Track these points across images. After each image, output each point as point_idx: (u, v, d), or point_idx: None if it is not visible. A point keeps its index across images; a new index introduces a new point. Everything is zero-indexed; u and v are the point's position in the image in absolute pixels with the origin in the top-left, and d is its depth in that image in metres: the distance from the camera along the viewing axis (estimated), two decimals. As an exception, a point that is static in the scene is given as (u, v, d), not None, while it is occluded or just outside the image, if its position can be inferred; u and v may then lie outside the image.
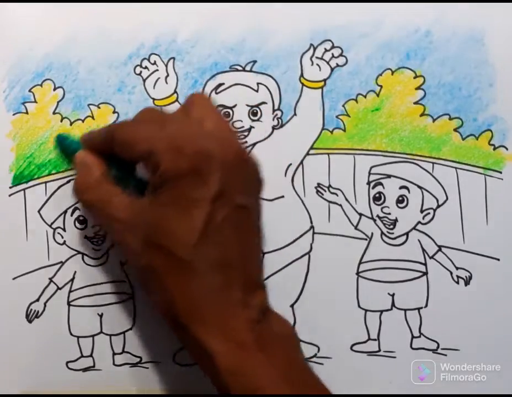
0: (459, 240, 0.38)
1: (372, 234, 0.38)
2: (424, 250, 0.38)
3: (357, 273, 0.38)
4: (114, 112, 0.38)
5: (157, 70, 0.38)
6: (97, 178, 0.32)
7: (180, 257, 0.28)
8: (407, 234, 0.38)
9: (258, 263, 0.32)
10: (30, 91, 0.38)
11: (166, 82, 0.38)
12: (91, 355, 0.39)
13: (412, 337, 0.38)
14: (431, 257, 0.38)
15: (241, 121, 0.38)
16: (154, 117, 0.32)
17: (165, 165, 0.29)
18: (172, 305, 0.29)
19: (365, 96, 0.38)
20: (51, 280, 0.38)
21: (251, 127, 0.38)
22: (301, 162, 0.38)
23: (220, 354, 0.28)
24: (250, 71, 0.38)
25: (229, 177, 0.29)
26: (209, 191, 0.28)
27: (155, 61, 0.38)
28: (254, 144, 0.38)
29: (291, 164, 0.38)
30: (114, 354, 0.39)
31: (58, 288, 0.38)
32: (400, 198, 0.38)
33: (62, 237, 0.39)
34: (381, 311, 0.38)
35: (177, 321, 0.29)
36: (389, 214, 0.38)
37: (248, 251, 0.31)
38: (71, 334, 0.39)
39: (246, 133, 0.38)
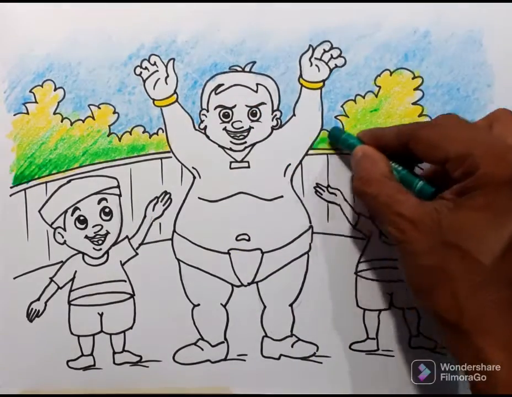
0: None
1: (371, 233, 0.38)
2: (422, 250, 0.38)
3: (356, 273, 0.38)
4: (114, 112, 0.38)
5: (157, 70, 0.38)
6: (384, 173, 0.33)
7: (481, 263, 0.28)
8: (405, 233, 0.38)
9: None
10: (30, 91, 0.39)
11: (166, 83, 0.38)
12: (91, 354, 0.39)
13: (411, 336, 0.38)
14: (429, 257, 0.38)
15: (241, 121, 0.38)
16: (462, 122, 0.32)
17: (484, 169, 0.28)
18: (457, 308, 0.29)
19: (364, 97, 0.38)
20: (51, 279, 0.39)
21: (251, 127, 0.38)
22: (300, 163, 0.38)
23: (503, 367, 0.27)
24: (250, 72, 0.38)
25: None
26: None
27: (155, 62, 0.38)
28: (253, 145, 0.38)
29: (290, 164, 0.38)
30: (114, 353, 0.39)
31: (59, 288, 0.39)
32: (399, 198, 0.38)
33: (62, 237, 0.39)
34: (379, 310, 0.38)
35: (458, 326, 0.29)
36: (388, 214, 0.38)
37: None
38: (72, 333, 0.39)
39: (245, 134, 0.38)
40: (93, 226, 0.39)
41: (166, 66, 0.38)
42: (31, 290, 0.38)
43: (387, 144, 0.34)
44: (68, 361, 0.39)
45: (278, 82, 0.38)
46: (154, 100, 0.39)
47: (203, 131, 0.38)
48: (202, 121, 0.38)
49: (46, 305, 0.39)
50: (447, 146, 0.30)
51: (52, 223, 0.39)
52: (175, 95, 0.38)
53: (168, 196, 0.38)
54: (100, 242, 0.39)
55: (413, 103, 0.38)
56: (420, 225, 0.30)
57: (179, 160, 0.38)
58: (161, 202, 0.38)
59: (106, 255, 0.39)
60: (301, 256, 0.38)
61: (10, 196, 0.39)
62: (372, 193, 0.32)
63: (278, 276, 0.38)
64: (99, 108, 0.39)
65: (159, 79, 0.38)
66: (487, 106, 0.38)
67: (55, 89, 0.39)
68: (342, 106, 0.38)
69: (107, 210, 0.39)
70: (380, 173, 0.33)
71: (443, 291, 0.29)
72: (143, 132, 0.38)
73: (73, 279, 0.39)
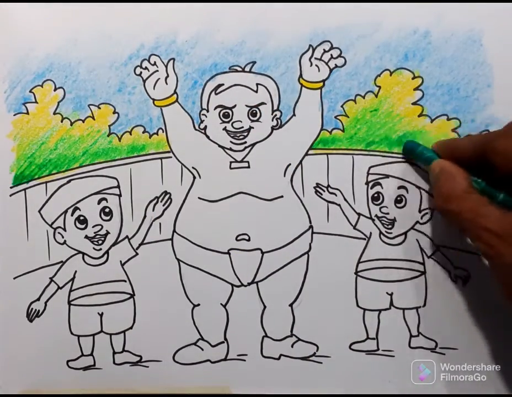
0: (457, 240, 0.38)
1: (371, 233, 0.38)
2: (422, 250, 0.38)
3: (356, 273, 0.38)
4: (114, 112, 0.38)
5: (157, 70, 0.38)
6: (465, 188, 0.32)
7: None
8: (405, 233, 0.38)
9: None
10: (30, 91, 0.39)
11: (166, 83, 0.38)
12: (91, 354, 0.39)
13: (411, 336, 0.38)
14: (429, 257, 0.38)
15: (241, 121, 0.38)
16: None
17: None
18: None
19: (364, 97, 0.38)
20: (51, 279, 0.39)
21: (251, 127, 0.38)
22: (300, 163, 0.38)
23: None
24: (250, 72, 0.38)
25: None
26: None
27: (155, 62, 0.39)
28: (253, 144, 0.38)
29: (290, 164, 0.38)
30: (114, 353, 0.39)
31: (59, 288, 0.39)
32: (399, 198, 0.38)
33: (62, 237, 0.39)
34: (379, 310, 0.38)
35: None
36: (388, 213, 0.38)
37: None
38: (72, 333, 0.39)
39: (245, 134, 0.38)
40: (93, 226, 0.39)
41: (166, 67, 0.39)
42: (31, 290, 0.38)
43: (463, 156, 0.34)
44: (68, 361, 0.39)
45: (278, 82, 0.38)
46: (154, 100, 0.39)
47: (203, 131, 0.38)
48: (202, 121, 0.38)
49: (46, 305, 0.39)
50: None
51: (52, 223, 0.39)
52: (175, 95, 0.38)
53: (168, 196, 0.38)
54: (100, 242, 0.39)
55: (413, 103, 0.38)
56: (507, 237, 0.30)
57: (179, 160, 0.38)
58: (161, 202, 0.38)
59: (106, 255, 0.39)
60: (301, 256, 0.38)
61: (10, 196, 0.39)
62: (455, 210, 0.32)
63: (278, 276, 0.38)
64: (99, 108, 0.39)
65: (159, 79, 0.38)
66: (487, 106, 0.38)
67: (55, 89, 0.39)
68: (342, 106, 0.38)
69: (107, 210, 0.39)
70: (461, 188, 0.32)
71: None
72: (143, 132, 0.38)
73: (73, 279, 0.39)
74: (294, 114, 0.38)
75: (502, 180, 0.32)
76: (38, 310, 0.39)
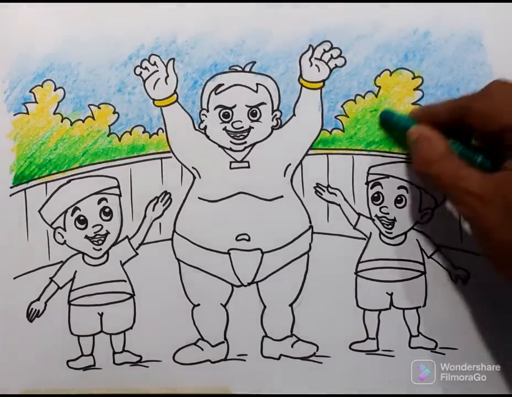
0: (457, 240, 0.38)
1: (371, 233, 0.38)
2: (422, 250, 0.38)
3: (356, 273, 0.38)
4: (114, 112, 0.38)
5: (157, 70, 0.38)
6: (444, 152, 0.32)
7: None
8: (405, 233, 0.38)
9: None
10: (30, 91, 0.39)
11: (166, 83, 0.38)
12: (91, 354, 0.39)
13: (411, 336, 0.38)
14: (429, 257, 0.38)
15: (241, 121, 0.38)
16: None
17: None
18: None
19: (364, 97, 0.38)
20: (51, 279, 0.39)
21: (251, 127, 0.38)
22: (300, 163, 0.38)
23: None
24: (250, 72, 0.38)
25: None
26: None
27: (155, 62, 0.39)
28: (253, 144, 0.38)
29: (290, 164, 0.38)
30: (114, 353, 0.39)
31: (59, 288, 0.39)
32: (399, 198, 0.38)
33: (62, 237, 0.39)
34: (379, 310, 0.38)
35: None
36: (388, 213, 0.38)
37: None
38: (72, 333, 0.39)
39: (245, 134, 0.38)
40: (93, 226, 0.39)
41: (166, 67, 0.39)
42: (31, 290, 0.38)
43: (440, 120, 0.34)
44: (68, 361, 0.39)
45: (278, 82, 0.38)
46: (154, 100, 0.39)
47: (203, 131, 0.38)
48: (202, 121, 0.38)
49: (46, 305, 0.39)
50: (502, 117, 0.30)
51: (52, 223, 0.39)
52: (175, 95, 0.38)
53: (168, 196, 0.38)
54: (100, 242, 0.39)
55: (413, 103, 0.38)
56: (488, 199, 0.29)
57: (179, 160, 0.38)
58: (161, 202, 0.38)
59: (106, 255, 0.39)
60: (301, 256, 0.38)
61: (10, 196, 0.39)
62: (434, 174, 0.32)
63: (278, 276, 0.38)
64: (99, 108, 0.39)
65: (159, 79, 0.38)
66: (487, 106, 0.38)
67: (55, 89, 0.39)
68: (342, 106, 0.38)
69: (107, 210, 0.39)
70: (440, 152, 0.32)
71: None
72: (143, 132, 0.38)
73: (73, 279, 0.39)
74: (294, 114, 0.38)
75: (479, 142, 0.33)
76: (38, 310, 0.39)
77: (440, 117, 0.34)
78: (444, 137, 0.33)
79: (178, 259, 0.39)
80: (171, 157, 0.38)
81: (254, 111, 0.38)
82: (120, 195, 0.39)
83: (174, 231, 0.39)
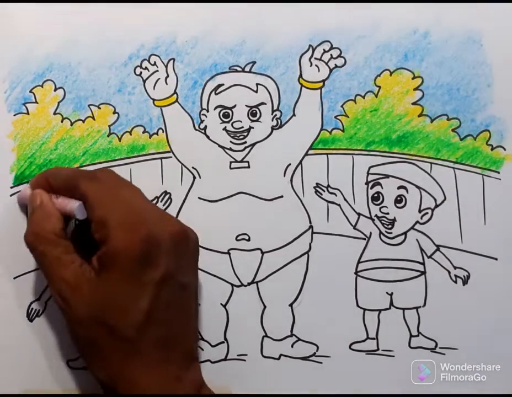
0: (457, 240, 0.38)
1: (371, 233, 0.38)
2: (422, 250, 0.38)
3: (356, 273, 0.38)
4: (114, 112, 0.38)
5: (157, 71, 0.38)
6: (55, 231, 0.32)
7: (126, 337, 0.29)
8: (405, 233, 0.38)
9: (195, 337, 0.34)
10: (30, 91, 0.39)
11: (166, 83, 0.38)
12: (91, 354, 0.39)
13: (411, 336, 0.38)
14: (429, 257, 0.38)
15: (241, 121, 0.38)
16: (118, 182, 0.33)
17: (116, 244, 0.29)
18: (112, 378, 0.30)
19: (363, 97, 0.38)
20: (51, 279, 0.39)
21: (251, 127, 0.38)
22: (300, 163, 0.38)
23: None
24: (250, 72, 0.38)
25: (175, 259, 0.30)
26: (157, 274, 0.30)
27: (155, 62, 0.39)
28: (253, 145, 0.38)
29: (290, 164, 0.38)
30: (114, 353, 0.39)
31: (59, 287, 0.39)
32: (399, 198, 0.38)
33: (63, 237, 0.39)
34: (379, 310, 0.38)
35: (117, 394, 0.30)
36: (388, 214, 0.38)
37: (188, 326, 0.32)
38: (71, 333, 0.39)
39: (245, 134, 0.38)
40: (93, 226, 0.39)
41: (166, 67, 0.39)
42: (31, 290, 0.38)
43: (58, 188, 0.33)
44: (68, 361, 0.39)
45: (278, 82, 0.38)
46: (154, 100, 0.39)
47: (203, 131, 0.38)
48: (202, 121, 0.38)
49: (46, 305, 0.39)
50: (94, 207, 0.31)
51: (52, 223, 0.39)
52: (175, 95, 0.38)
53: (168, 196, 0.38)
54: (100, 242, 0.39)
55: (413, 103, 0.38)
56: (78, 293, 0.30)
57: (179, 160, 0.38)
58: (161, 202, 0.38)
59: (106, 255, 0.39)
60: (301, 256, 0.38)
61: (10, 196, 0.39)
62: (41, 252, 0.32)
63: (278, 276, 0.38)
64: (99, 108, 0.39)
65: (159, 79, 0.38)
66: (487, 106, 0.38)
67: (55, 89, 0.39)
68: (342, 106, 0.38)
69: (107, 210, 0.39)
70: (51, 230, 0.32)
71: (98, 363, 0.31)
72: (143, 132, 0.38)
73: (73, 279, 0.39)
74: (294, 114, 0.38)
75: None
76: (38, 310, 0.38)
77: (56, 184, 0.34)
78: (61, 215, 0.33)
79: (178, 259, 0.39)
80: (171, 157, 0.38)
81: (254, 111, 0.38)
82: (120, 195, 0.39)
83: (174, 231, 0.38)
